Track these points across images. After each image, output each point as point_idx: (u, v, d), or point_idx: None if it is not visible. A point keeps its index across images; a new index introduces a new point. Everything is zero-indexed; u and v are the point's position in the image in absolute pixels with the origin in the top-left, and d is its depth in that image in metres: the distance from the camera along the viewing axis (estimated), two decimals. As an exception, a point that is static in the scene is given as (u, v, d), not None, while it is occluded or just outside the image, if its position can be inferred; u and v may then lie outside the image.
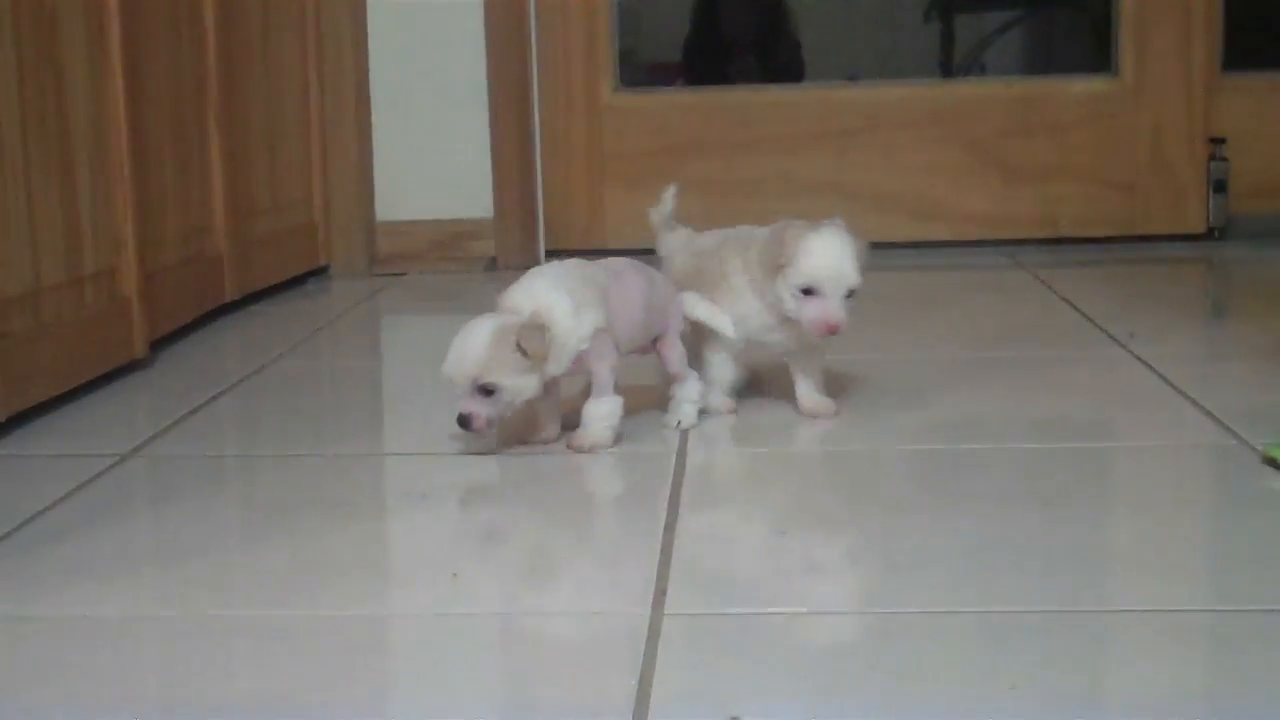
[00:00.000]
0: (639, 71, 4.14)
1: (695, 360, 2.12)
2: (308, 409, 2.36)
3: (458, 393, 1.88)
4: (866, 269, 2.04)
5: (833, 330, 1.98)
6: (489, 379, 1.86)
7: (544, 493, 1.85)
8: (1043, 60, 4.70)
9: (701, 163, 3.68)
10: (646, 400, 2.13)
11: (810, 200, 3.66)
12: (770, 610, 1.44)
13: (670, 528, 1.67)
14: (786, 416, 2.14)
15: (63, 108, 2.29)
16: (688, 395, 2.07)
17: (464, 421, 1.89)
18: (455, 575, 1.56)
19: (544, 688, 1.30)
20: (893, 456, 1.97)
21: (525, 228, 3.60)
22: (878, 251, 2.12)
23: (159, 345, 2.61)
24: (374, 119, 3.56)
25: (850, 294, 2.01)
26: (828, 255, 2.00)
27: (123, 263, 2.45)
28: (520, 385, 1.88)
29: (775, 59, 4.35)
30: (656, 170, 3.66)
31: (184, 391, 2.39)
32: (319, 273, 3.48)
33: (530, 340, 1.86)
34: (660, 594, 1.47)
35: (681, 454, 1.96)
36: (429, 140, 3.58)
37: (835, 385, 2.23)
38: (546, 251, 3.63)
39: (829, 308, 1.99)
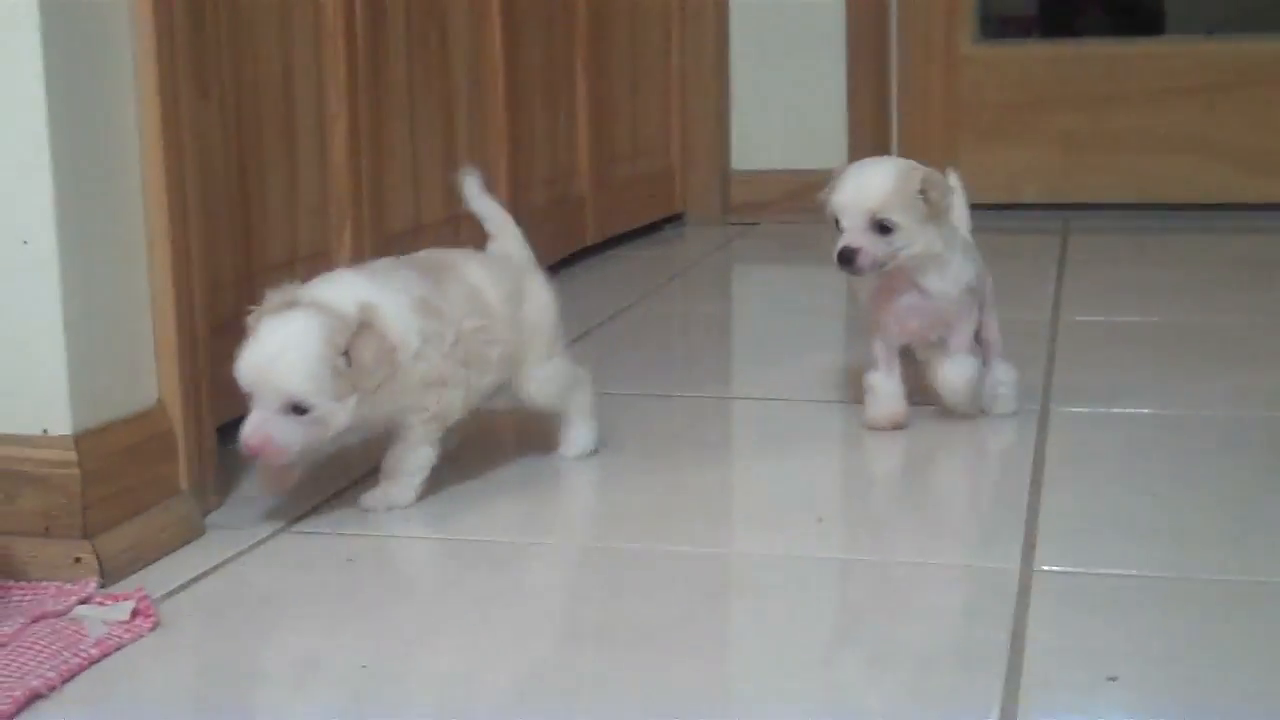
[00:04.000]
0: (996, 23, 4.07)
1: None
2: (664, 353, 2.41)
3: None
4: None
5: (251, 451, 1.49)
6: (889, 215, 1.74)
7: (909, 445, 1.85)
8: None
9: (1060, 116, 3.60)
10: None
11: (1174, 157, 3.55)
12: (1143, 573, 1.42)
13: (1036, 484, 1.66)
14: (1153, 374, 2.10)
15: (445, 52, 2.38)
16: None
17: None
18: (820, 520, 1.57)
19: (911, 635, 1.31)
20: (1268, 422, 1.91)
21: (878, 179, 3.58)
22: (1245, 214, 2.02)
23: (525, 284, 2.69)
24: (732, 68, 3.59)
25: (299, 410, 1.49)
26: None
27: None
28: None
29: (1133, 11, 4.22)
30: (1013, 123, 3.60)
31: (549, 330, 2.46)
32: (674, 219, 3.54)
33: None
34: (1030, 550, 1.46)
35: (1044, 412, 1.93)
36: (786, 89, 3.59)
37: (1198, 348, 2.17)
38: (900, 204, 3.60)
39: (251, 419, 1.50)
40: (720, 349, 2.54)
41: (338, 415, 1.49)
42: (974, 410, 1.88)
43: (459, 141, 2.42)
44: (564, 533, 1.56)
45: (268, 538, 1.52)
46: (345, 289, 1.53)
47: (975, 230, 1.97)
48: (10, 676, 1.18)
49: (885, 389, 1.87)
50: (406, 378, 1.54)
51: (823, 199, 1.79)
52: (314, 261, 1.98)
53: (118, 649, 1.25)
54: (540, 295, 1.75)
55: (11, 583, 1.36)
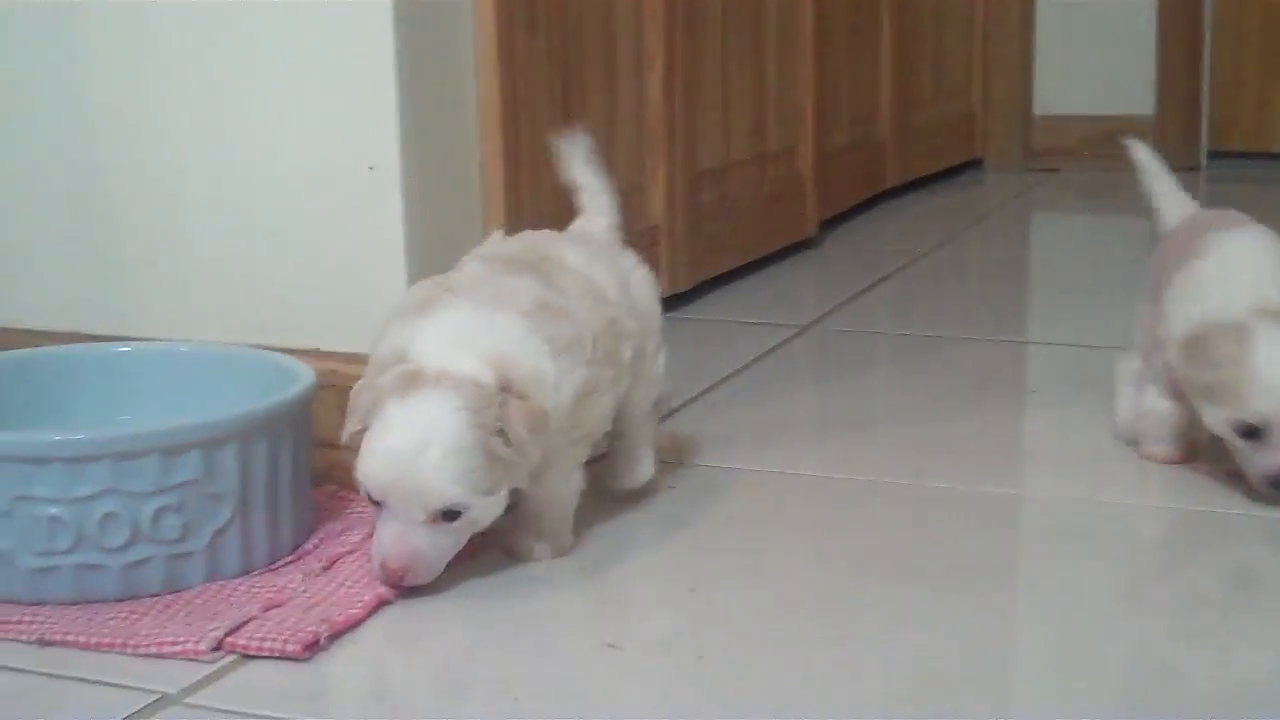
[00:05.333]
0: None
1: None
2: (961, 297, 2.38)
3: None
4: None
5: (393, 577, 1.21)
6: None
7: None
8: None
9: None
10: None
11: None
12: None
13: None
14: None
15: (757, -8, 2.39)
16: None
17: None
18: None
19: (1222, 584, 1.28)
20: None
21: (1187, 125, 3.48)
22: None
23: (826, 226, 2.70)
24: (1038, 9, 3.52)
25: None
26: None
27: (801, 143, 2.54)
28: None
29: None
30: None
31: (850, 272, 2.46)
32: (973, 165, 3.49)
33: None
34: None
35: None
36: (1093, 32, 3.50)
37: None
38: (1209, 152, 3.49)
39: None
40: (1019, 296, 2.51)
41: (493, 508, 1.22)
42: None
43: (767, 82, 2.42)
44: (866, 470, 1.56)
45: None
46: (456, 339, 1.21)
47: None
48: (358, 583, 1.23)
49: (1169, 415, 1.53)
50: (555, 413, 1.24)
51: (1203, 378, 1.41)
52: (630, 196, 2.01)
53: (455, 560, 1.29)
54: (640, 275, 1.45)
55: (355, 495, 1.42)
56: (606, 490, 1.43)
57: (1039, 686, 1.09)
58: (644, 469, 1.44)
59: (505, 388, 1.19)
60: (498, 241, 1.39)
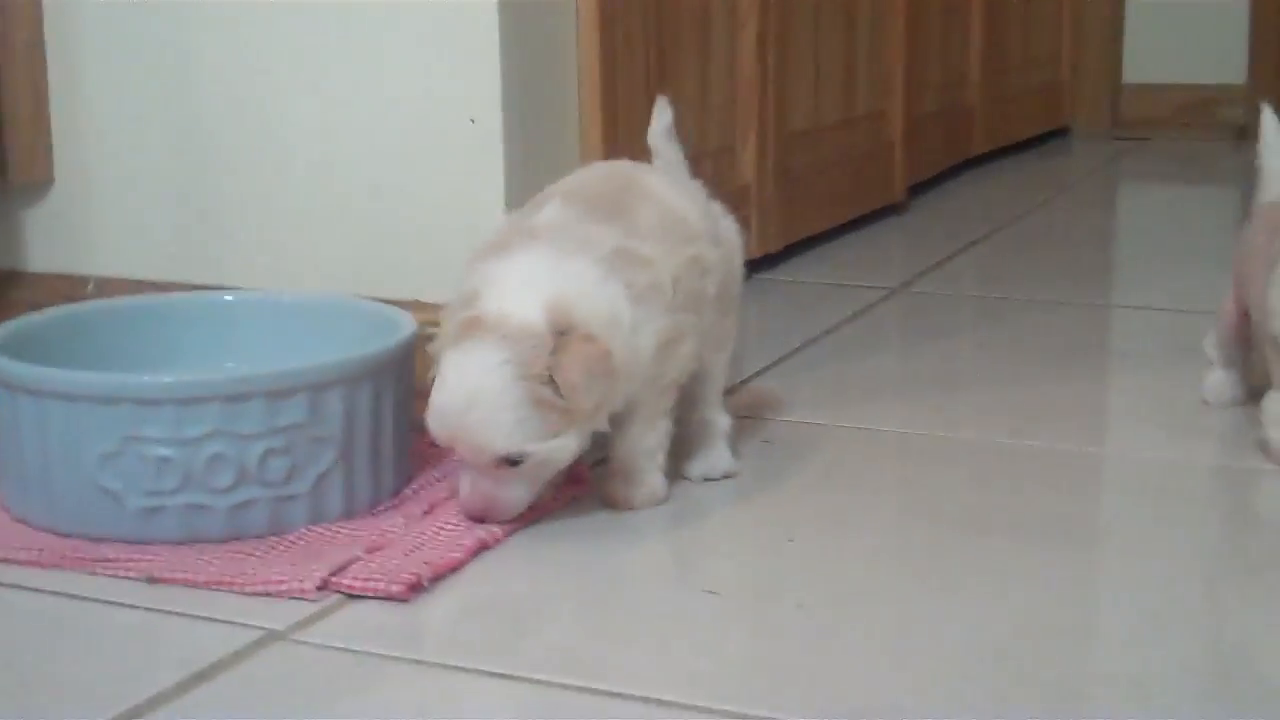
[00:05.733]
0: None
1: None
2: (1048, 263, 2.37)
3: None
4: None
5: (476, 519, 1.26)
6: None
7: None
8: None
9: None
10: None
11: None
12: None
13: None
14: None
15: (848, -45, 2.38)
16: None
17: None
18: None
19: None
20: None
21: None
22: None
23: (913, 191, 2.69)
24: (1128, -24, 3.50)
25: None
26: None
27: (891, 107, 2.54)
28: None
29: None
30: None
31: (938, 237, 2.46)
32: (1061, 133, 3.47)
33: None
34: None
35: None
36: (1183, 0, 3.47)
37: None
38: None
39: None
40: (1106, 262, 2.50)
41: (562, 450, 1.21)
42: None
43: (859, 46, 2.42)
44: (956, 428, 1.56)
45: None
46: (525, 283, 1.21)
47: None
48: (458, 527, 1.25)
49: (1221, 376, 1.61)
50: (634, 359, 1.24)
51: None
52: (721, 157, 2.02)
53: (550, 511, 1.31)
54: (727, 222, 1.43)
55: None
56: (683, 475, 1.38)
57: (1126, 643, 1.10)
58: (723, 459, 1.40)
59: (562, 332, 1.19)
60: (582, 171, 1.38)
